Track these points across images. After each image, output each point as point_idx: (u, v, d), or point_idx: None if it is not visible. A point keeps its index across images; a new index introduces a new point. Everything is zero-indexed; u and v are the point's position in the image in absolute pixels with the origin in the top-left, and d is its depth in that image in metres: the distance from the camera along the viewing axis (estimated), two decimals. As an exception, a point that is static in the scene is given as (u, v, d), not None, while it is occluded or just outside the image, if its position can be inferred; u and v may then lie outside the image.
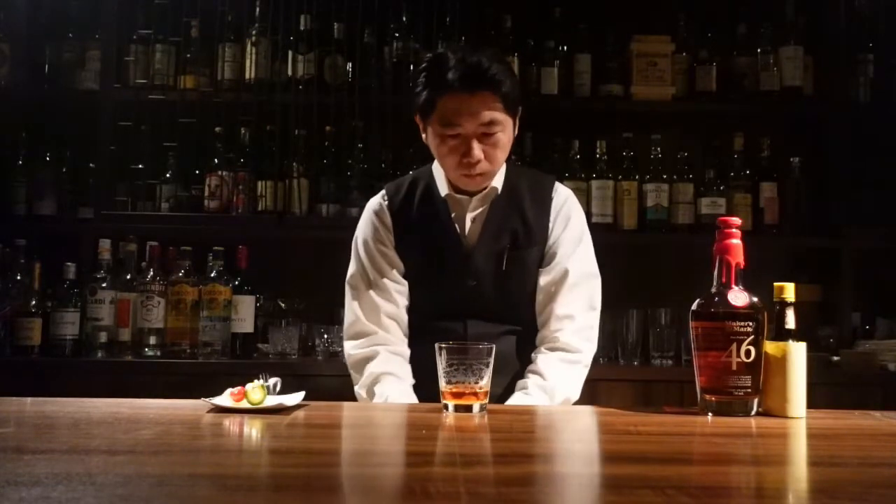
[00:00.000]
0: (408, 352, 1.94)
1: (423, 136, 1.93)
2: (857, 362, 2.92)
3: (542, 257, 1.95)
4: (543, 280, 1.94)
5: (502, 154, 1.88)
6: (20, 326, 2.83)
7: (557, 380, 1.85)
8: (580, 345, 1.92)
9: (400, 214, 1.97)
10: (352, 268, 2.00)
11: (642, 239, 3.21)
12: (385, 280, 1.94)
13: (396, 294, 1.94)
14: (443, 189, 1.95)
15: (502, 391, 1.86)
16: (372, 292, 1.93)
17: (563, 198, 2.00)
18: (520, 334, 1.94)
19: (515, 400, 1.83)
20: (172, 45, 3.17)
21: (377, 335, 1.91)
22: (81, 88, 3.18)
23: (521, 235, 1.93)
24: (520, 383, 1.88)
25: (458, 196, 1.94)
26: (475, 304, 1.91)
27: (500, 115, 1.81)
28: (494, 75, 1.79)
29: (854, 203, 3.16)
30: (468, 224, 1.94)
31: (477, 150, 1.81)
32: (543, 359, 1.89)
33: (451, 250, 1.93)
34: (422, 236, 1.95)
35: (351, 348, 1.94)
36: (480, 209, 1.94)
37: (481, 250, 1.92)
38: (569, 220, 1.97)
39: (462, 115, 1.80)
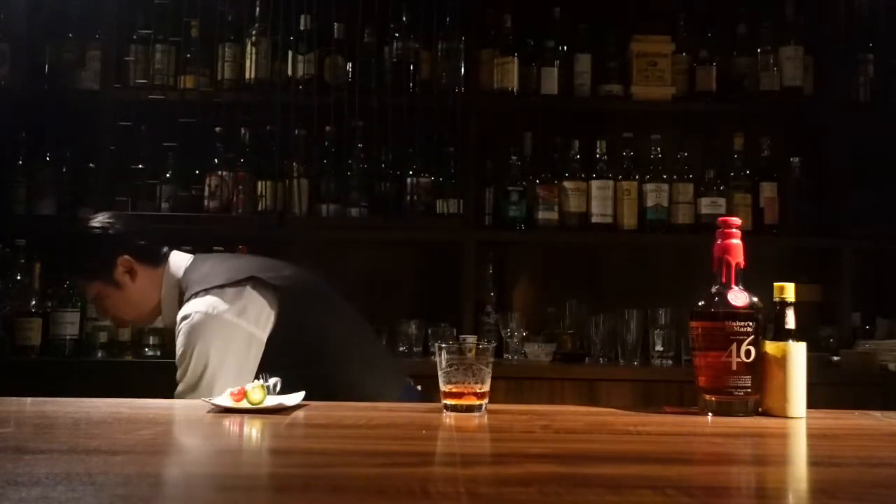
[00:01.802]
0: None
1: None
2: (857, 362, 2.92)
3: None
4: None
5: (123, 309, 2.03)
6: (20, 326, 2.83)
7: None
8: None
9: None
10: None
11: (642, 239, 3.22)
12: None
13: None
14: None
15: None
16: None
17: (179, 324, 1.89)
18: None
19: None
20: (172, 45, 3.16)
21: None
22: (81, 88, 3.17)
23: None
24: None
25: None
26: None
27: (94, 292, 2.01)
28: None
29: (854, 203, 3.16)
30: None
31: (101, 313, 2.15)
32: None
33: None
34: None
35: None
36: None
37: None
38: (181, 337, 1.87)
39: None
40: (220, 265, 1.98)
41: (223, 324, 1.83)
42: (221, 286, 1.87)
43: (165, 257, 2.02)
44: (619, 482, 0.98)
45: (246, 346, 1.84)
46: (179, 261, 2.02)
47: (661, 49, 3.22)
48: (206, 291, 1.87)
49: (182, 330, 1.84)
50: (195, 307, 1.85)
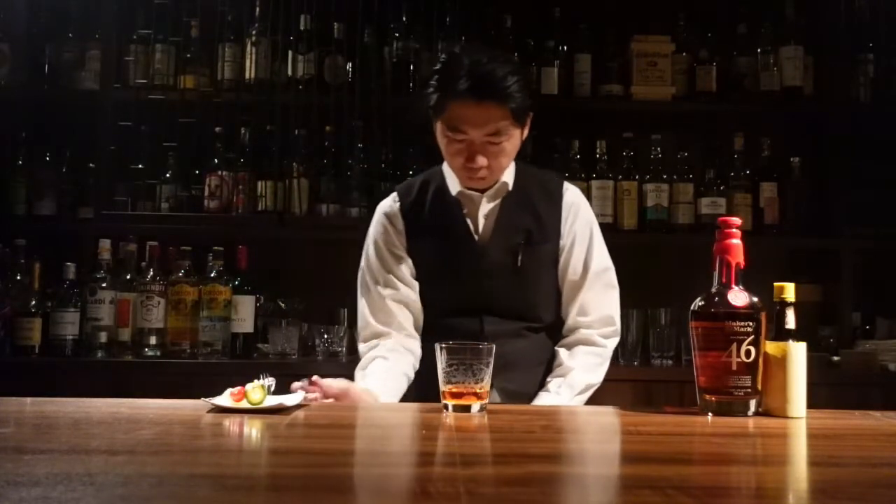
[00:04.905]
0: (415, 344, 1.93)
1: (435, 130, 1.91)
2: (857, 362, 2.92)
3: (558, 253, 1.96)
4: (564, 275, 1.96)
5: (506, 160, 1.88)
6: (20, 326, 2.83)
7: (579, 373, 1.89)
8: (604, 339, 1.97)
9: (412, 215, 1.97)
10: (363, 270, 1.99)
11: (642, 239, 3.21)
12: (396, 281, 1.94)
13: (408, 294, 1.94)
14: (454, 188, 1.94)
15: (533, 390, 1.90)
16: (383, 294, 1.93)
17: (573, 194, 2.02)
18: (539, 331, 1.96)
19: (541, 400, 1.86)
20: (172, 45, 3.16)
21: (389, 336, 1.91)
22: (81, 88, 3.17)
23: (534, 232, 1.94)
24: (547, 382, 1.91)
25: (470, 193, 1.93)
26: (491, 301, 1.91)
27: (506, 126, 1.80)
28: (506, 88, 1.78)
29: (854, 203, 3.16)
30: (481, 221, 1.94)
31: (481, 158, 1.81)
32: (567, 354, 1.93)
33: (464, 248, 1.93)
34: (435, 236, 1.95)
35: (365, 349, 1.93)
36: (492, 206, 1.94)
37: (495, 247, 1.92)
38: (578, 215, 1.99)
39: (468, 122, 1.79)
40: None
41: None
42: None
43: None
44: (619, 482, 0.98)
45: None
46: None
47: (661, 49, 3.22)
48: None
49: (586, 204, 2.04)
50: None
